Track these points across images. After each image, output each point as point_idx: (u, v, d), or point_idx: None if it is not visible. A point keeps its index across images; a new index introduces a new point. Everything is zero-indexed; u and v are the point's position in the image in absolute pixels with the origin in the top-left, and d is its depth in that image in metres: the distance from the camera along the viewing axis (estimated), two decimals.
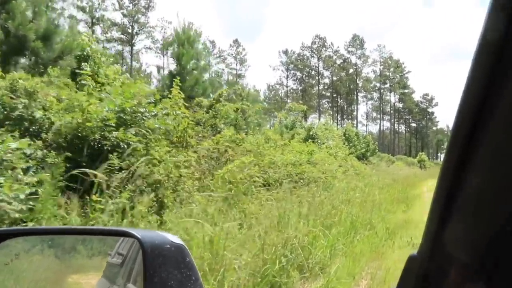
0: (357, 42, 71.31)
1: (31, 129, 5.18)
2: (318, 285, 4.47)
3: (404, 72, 73.25)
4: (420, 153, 53.28)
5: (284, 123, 19.96)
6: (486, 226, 0.51)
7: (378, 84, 73.89)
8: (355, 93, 72.95)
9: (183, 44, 13.64)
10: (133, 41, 55.05)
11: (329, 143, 18.28)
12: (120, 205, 4.35)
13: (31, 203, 3.83)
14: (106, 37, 51.97)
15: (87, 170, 4.27)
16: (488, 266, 0.51)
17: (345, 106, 74.82)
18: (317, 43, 71.01)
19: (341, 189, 9.38)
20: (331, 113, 67.33)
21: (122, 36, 54.58)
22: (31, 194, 3.93)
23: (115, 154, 4.96)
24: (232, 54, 65.54)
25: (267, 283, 4.03)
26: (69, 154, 4.56)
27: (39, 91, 5.22)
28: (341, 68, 71.73)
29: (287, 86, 71.75)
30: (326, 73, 72.77)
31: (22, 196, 3.73)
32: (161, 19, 59.69)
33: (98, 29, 48.85)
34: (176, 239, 1.06)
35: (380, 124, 74.56)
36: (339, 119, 70.59)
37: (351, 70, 72.28)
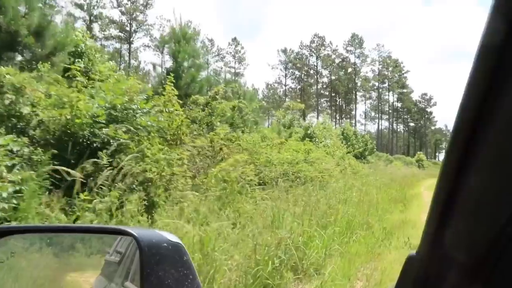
0: (356, 41, 71.26)
1: (18, 126, 5.05)
2: (312, 287, 4.39)
3: (403, 72, 73.33)
4: (418, 152, 53.51)
5: (282, 121, 19.87)
6: (485, 226, 0.51)
7: (376, 84, 73.91)
8: (354, 92, 72.89)
9: (179, 42, 13.48)
10: (131, 39, 54.95)
11: (327, 142, 18.22)
12: (109, 204, 4.24)
13: (14, 201, 3.71)
14: (104, 34, 51.90)
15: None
16: (487, 266, 0.51)
17: (344, 105, 74.77)
18: (316, 42, 70.95)
19: (338, 188, 9.28)
20: (330, 112, 67.31)
21: (120, 34, 54.48)
22: (15, 192, 3.82)
23: (104, 151, 4.84)
24: (230, 53, 65.46)
25: (259, 284, 3.95)
26: (55, 151, 4.42)
27: (26, 87, 5.08)
28: (339, 67, 71.68)
29: (285, 85, 71.74)
30: (325, 72, 72.81)
31: (4, 195, 3.61)
32: (159, 17, 59.65)
33: (96, 26, 48.77)
34: (173, 238, 1.05)
35: (378, 123, 74.73)
36: (338, 118, 70.62)
37: (349, 69, 72.25)
